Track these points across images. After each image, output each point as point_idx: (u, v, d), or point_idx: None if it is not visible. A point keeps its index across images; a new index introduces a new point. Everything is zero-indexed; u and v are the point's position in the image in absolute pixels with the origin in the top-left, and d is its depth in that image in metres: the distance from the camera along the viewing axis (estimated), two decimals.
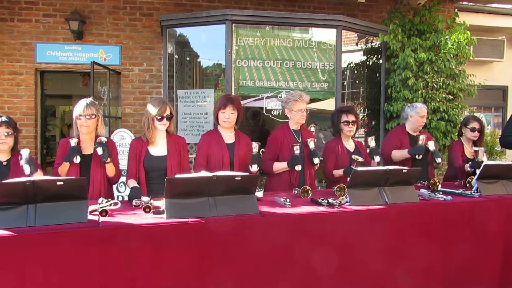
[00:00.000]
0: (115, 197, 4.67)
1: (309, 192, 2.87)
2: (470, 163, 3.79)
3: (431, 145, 3.69)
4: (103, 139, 2.91)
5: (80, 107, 2.91)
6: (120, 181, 4.52)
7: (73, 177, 2.75)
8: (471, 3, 6.68)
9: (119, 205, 2.42)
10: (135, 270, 1.98)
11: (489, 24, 7.00)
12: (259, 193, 2.74)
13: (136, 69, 5.74)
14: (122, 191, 4.99)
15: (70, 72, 6.01)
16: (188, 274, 2.07)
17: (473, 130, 3.96)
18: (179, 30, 5.49)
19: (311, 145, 3.37)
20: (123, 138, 5.10)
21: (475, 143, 4.03)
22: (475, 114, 4.92)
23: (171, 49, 5.42)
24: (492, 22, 7.02)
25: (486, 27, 7.00)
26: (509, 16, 7.08)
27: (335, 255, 2.39)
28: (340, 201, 2.57)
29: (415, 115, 3.90)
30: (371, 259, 2.48)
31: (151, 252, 2.01)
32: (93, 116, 2.93)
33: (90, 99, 3.00)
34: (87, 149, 2.97)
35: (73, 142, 2.87)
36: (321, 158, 3.56)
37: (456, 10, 6.28)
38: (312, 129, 5.38)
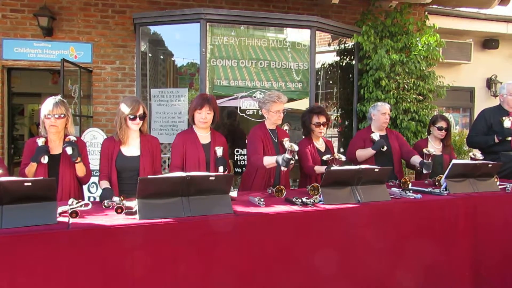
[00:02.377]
0: (86, 198, 4.58)
1: (283, 191, 2.89)
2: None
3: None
4: (73, 138, 2.83)
5: (48, 106, 2.81)
6: (91, 181, 4.43)
7: (41, 177, 2.67)
8: (440, 7, 6.86)
9: (90, 206, 2.37)
10: (106, 273, 1.94)
11: (457, 27, 7.22)
12: (234, 193, 2.73)
13: (109, 67, 5.62)
14: (93, 192, 4.89)
15: (39, 70, 5.83)
16: (161, 276, 2.05)
17: (440, 129, 4.09)
18: (152, 28, 5.41)
19: (287, 144, 3.39)
20: (94, 137, 5.00)
21: (442, 141, 4.15)
22: (443, 114, 5.07)
23: (145, 47, 5.34)
24: (460, 25, 7.24)
25: (454, 30, 7.22)
26: (476, 20, 7.31)
27: (309, 254, 2.42)
28: (314, 200, 2.59)
29: (377, 113, 3.99)
30: (344, 257, 2.52)
31: (123, 254, 1.97)
32: (62, 116, 2.84)
33: (59, 97, 2.90)
34: (56, 149, 2.89)
35: (40, 141, 2.78)
36: (296, 164, 3.59)
37: (426, 13, 6.44)
38: (286, 127, 5.42)
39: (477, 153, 3.61)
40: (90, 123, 5.68)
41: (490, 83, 7.83)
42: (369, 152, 3.83)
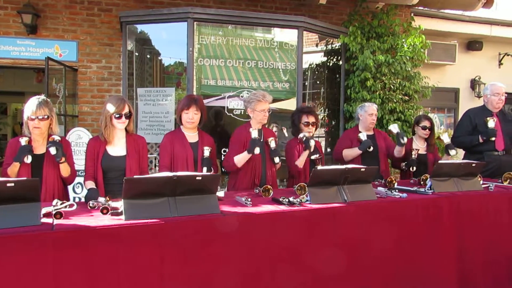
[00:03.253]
0: (71, 199, 4.52)
1: (270, 191, 2.89)
2: (405, 162, 3.98)
3: (394, 128, 3.89)
4: (57, 138, 2.78)
5: (31, 107, 2.75)
6: (76, 182, 4.38)
7: (25, 178, 2.62)
8: (426, 8, 6.94)
9: (75, 207, 2.34)
10: (92, 274, 1.91)
11: (442, 29, 7.31)
12: (221, 193, 2.72)
13: (94, 66, 5.56)
14: (79, 192, 4.82)
15: (23, 68, 5.74)
16: (148, 276, 2.03)
17: (424, 128, 4.14)
18: (139, 27, 5.37)
19: (272, 144, 3.39)
20: (80, 137, 4.94)
21: (427, 140, 4.21)
22: (429, 114, 5.13)
23: (131, 46, 5.29)
24: (445, 27, 7.33)
25: (439, 32, 7.30)
26: (461, 21, 7.41)
27: (297, 254, 2.42)
28: (301, 200, 2.60)
29: (364, 114, 4.03)
30: (330, 256, 2.53)
31: (109, 255, 1.95)
32: (46, 117, 2.78)
33: (42, 97, 2.84)
34: (39, 149, 2.84)
35: (23, 141, 2.73)
36: (283, 158, 3.60)
37: (412, 14, 6.51)
38: (274, 129, 5.42)
39: (445, 137, 3.93)
40: (75, 122, 5.60)
41: (474, 84, 7.95)
42: (355, 152, 3.86)
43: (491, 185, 3.28)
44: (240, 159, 3.31)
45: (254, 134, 3.23)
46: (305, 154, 3.54)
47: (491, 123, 4.09)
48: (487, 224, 3.08)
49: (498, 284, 3.13)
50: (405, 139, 3.81)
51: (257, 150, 3.18)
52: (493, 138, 4.10)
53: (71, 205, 2.33)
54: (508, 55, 8.06)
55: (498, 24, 7.65)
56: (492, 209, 3.12)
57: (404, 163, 4.00)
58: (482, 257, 3.06)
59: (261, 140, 3.45)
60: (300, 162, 3.56)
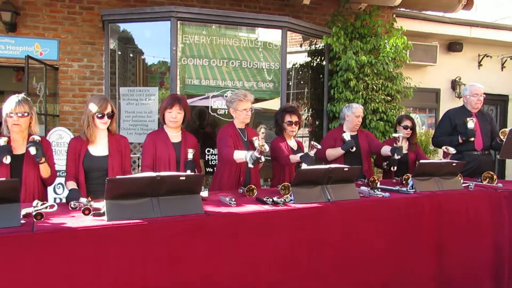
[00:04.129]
0: (52, 200, 4.45)
1: (255, 191, 2.90)
2: (387, 161, 3.98)
3: (397, 139, 3.71)
4: (37, 138, 2.72)
5: (11, 104, 2.70)
6: (57, 182, 4.31)
7: (4, 178, 2.56)
8: (408, 10, 7.04)
9: (56, 208, 2.30)
10: (74, 276, 1.88)
11: (423, 30, 7.41)
12: (204, 193, 2.71)
13: (76, 65, 5.47)
14: (60, 193, 4.74)
15: (2, 67, 5.60)
16: (131, 278, 2.01)
17: (405, 127, 4.21)
18: (122, 26, 5.31)
19: (256, 143, 3.39)
20: (61, 137, 4.86)
21: (409, 139, 4.27)
22: (411, 115, 5.20)
23: (114, 45, 5.23)
24: (426, 28, 7.44)
25: (421, 33, 7.41)
26: (442, 23, 7.53)
27: (280, 253, 2.43)
28: (285, 200, 2.61)
29: (351, 115, 4.06)
30: (314, 255, 2.55)
31: (91, 257, 1.92)
32: (26, 114, 2.73)
33: (22, 95, 2.79)
34: (19, 149, 2.78)
35: (2, 141, 2.66)
36: (267, 157, 3.60)
37: (394, 15, 6.58)
38: (262, 130, 5.43)
39: (450, 148, 3.68)
40: (56, 122, 5.51)
41: (455, 84, 8.09)
42: (338, 152, 3.90)
43: (471, 184, 3.35)
44: (238, 158, 3.16)
45: (261, 154, 3.00)
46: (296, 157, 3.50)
47: (471, 123, 4.16)
48: (467, 223, 3.15)
49: (478, 281, 3.20)
50: (398, 156, 3.61)
51: (250, 165, 3.02)
52: (472, 139, 4.18)
53: (51, 206, 2.30)
54: (487, 56, 8.23)
55: (478, 26, 7.80)
56: (472, 208, 3.19)
57: (385, 163, 4.05)
58: (462, 254, 3.12)
59: (245, 140, 3.45)
60: (294, 159, 3.54)
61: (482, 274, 3.22)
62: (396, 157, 3.59)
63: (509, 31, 8.04)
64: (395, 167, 3.86)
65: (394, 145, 3.63)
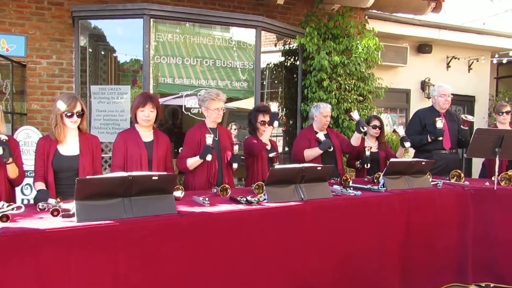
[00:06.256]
0: (19, 201, 4.31)
1: (228, 190, 2.89)
2: (360, 160, 4.13)
3: (355, 115, 3.90)
4: (3, 137, 2.63)
5: None
6: (25, 183, 4.17)
7: None
8: (380, 12, 7.17)
9: (23, 209, 2.23)
10: (42, 280, 1.83)
11: (394, 32, 7.57)
12: (178, 193, 2.69)
13: (44, 62, 5.31)
14: (27, 193, 4.60)
15: None
16: (102, 281, 1.97)
17: (374, 127, 4.32)
18: (93, 22, 5.19)
19: (235, 148, 3.42)
20: (29, 136, 4.71)
21: (378, 139, 4.38)
22: (382, 114, 5.31)
23: (84, 42, 5.11)
24: (397, 30, 7.61)
25: (392, 35, 7.57)
26: (412, 25, 7.71)
27: (254, 252, 2.44)
28: (258, 199, 2.62)
29: (319, 115, 4.11)
30: (287, 254, 2.57)
31: (60, 259, 1.88)
32: None
33: None
34: None
35: None
36: (242, 163, 3.61)
37: (366, 17, 6.69)
38: (234, 127, 5.42)
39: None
40: (24, 121, 5.33)
41: (424, 85, 8.31)
42: (316, 152, 3.93)
43: (439, 182, 3.45)
44: (192, 163, 3.31)
45: (209, 140, 3.20)
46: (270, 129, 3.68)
47: (439, 123, 4.28)
48: (433, 220, 3.24)
49: (441, 276, 3.30)
50: (365, 128, 3.87)
51: (208, 157, 3.17)
52: (441, 138, 4.30)
53: (18, 207, 2.22)
54: (455, 58, 8.48)
55: (446, 29, 8.03)
56: (440, 205, 3.29)
57: (358, 161, 4.13)
58: (425, 252, 3.22)
59: (216, 139, 3.43)
60: (265, 137, 3.64)
61: (446, 269, 3.33)
62: (366, 166, 4.02)
63: (476, 34, 8.32)
64: (368, 164, 3.95)
65: (365, 155, 4.04)
